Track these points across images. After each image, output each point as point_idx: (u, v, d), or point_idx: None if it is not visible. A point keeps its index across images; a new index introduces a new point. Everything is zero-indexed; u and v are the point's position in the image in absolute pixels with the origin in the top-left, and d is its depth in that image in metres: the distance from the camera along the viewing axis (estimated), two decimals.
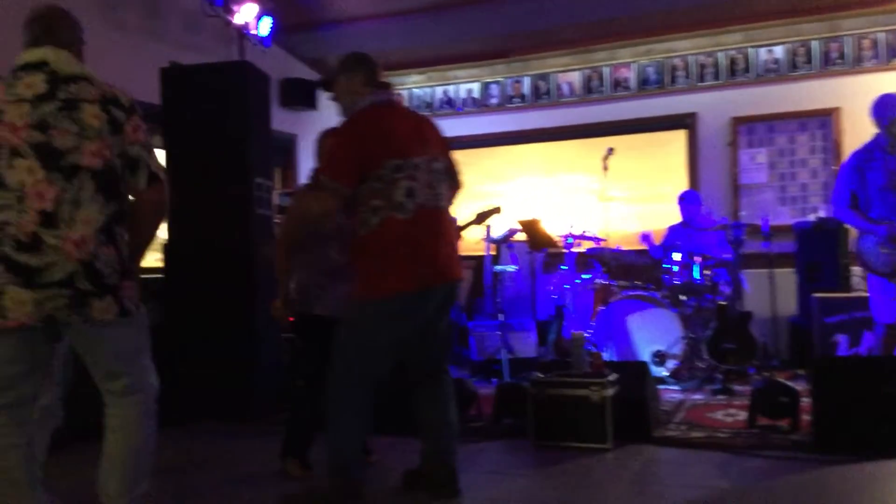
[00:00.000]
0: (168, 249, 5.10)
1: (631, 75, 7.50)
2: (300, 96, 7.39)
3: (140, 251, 2.57)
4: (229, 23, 6.11)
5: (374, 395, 3.00)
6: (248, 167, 4.97)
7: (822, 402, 3.76)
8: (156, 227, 2.60)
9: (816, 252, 6.03)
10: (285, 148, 7.44)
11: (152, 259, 5.36)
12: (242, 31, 6.21)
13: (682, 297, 5.76)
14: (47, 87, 2.38)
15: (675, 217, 6.66)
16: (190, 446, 4.23)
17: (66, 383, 2.91)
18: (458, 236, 4.49)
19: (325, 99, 8.08)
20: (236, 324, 4.75)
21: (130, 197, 2.50)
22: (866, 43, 6.72)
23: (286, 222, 3.46)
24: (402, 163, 2.90)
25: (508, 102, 7.96)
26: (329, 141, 3.22)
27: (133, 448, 2.49)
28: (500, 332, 5.73)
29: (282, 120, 6.21)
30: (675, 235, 6.39)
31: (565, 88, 7.73)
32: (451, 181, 3.18)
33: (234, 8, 6.05)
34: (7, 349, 2.36)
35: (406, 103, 8.29)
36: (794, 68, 6.94)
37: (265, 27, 6.35)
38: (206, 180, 4.95)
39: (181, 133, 5.11)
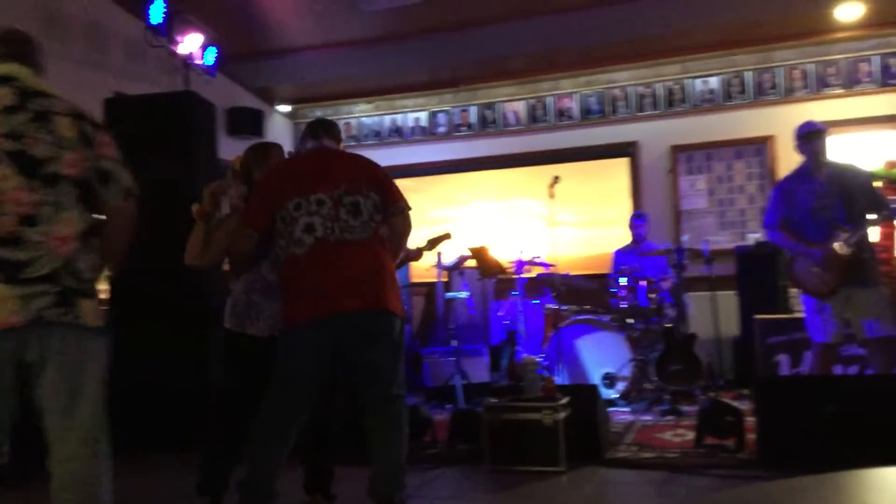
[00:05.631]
0: (113, 280, 5.00)
1: (574, 105, 7.68)
2: (247, 124, 7.40)
3: (108, 265, 2.47)
4: (174, 53, 6.07)
5: (323, 425, 3.18)
6: (196, 196, 4.90)
7: (765, 421, 3.88)
8: (124, 244, 2.51)
9: (756, 275, 6.20)
10: None
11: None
12: (187, 61, 6.18)
13: (630, 321, 5.89)
14: (17, 100, 2.31)
15: (622, 241, 6.81)
16: (140, 482, 4.13)
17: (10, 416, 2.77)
18: (413, 259, 4.50)
19: (270, 126, 8.12)
20: (186, 353, 4.67)
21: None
22: (797, 73, 7.02)
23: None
24: (302, 200, 3.05)
25: (456, 131, 8.07)
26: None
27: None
28: (453, 358, 5.75)
29: (230, 148, 6.16)
30: (621, 259, 6.53)
31: (511, 117, 7.88)
32: (388, 213, 3.18)
33: (179, 38, 6.02)
34: None
35: (354, 132, 8.34)
36: (729, 98, 7.21)
37: (210, 57, 6.35)
38: (154, 210, 4.86)
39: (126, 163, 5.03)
